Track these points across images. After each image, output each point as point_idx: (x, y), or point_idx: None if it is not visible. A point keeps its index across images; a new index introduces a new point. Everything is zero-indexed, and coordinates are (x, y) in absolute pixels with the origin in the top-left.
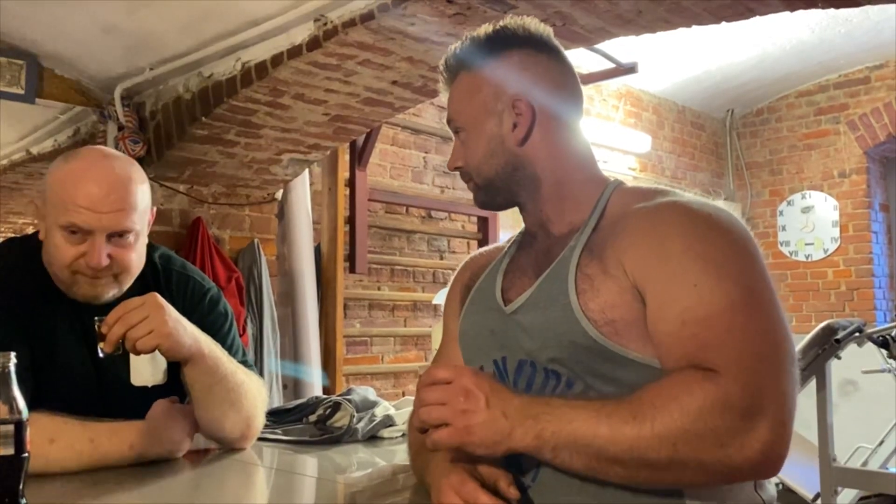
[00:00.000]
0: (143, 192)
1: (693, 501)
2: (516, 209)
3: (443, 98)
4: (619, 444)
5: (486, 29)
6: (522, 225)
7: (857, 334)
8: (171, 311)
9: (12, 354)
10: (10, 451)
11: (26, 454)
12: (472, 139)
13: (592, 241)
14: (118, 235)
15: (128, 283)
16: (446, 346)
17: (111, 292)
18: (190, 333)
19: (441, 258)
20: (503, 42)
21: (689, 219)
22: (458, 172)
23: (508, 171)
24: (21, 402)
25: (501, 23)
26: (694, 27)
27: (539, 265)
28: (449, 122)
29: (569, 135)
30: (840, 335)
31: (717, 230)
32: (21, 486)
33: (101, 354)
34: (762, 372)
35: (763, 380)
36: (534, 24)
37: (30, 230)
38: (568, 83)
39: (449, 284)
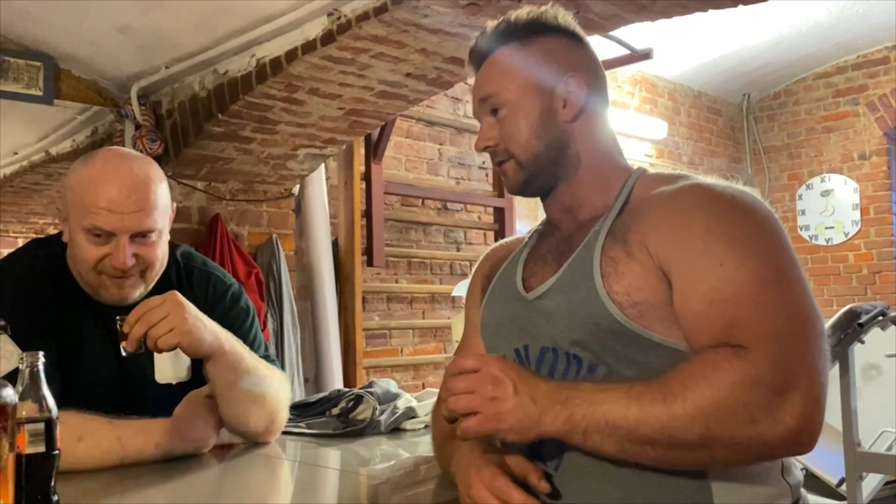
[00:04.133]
0: (162, 191)
1: (718, 482)
2: (532, 199)
3: (458, 86)
4: (650, 424)
5: (524, 12)
6: (542, 215)
7: (880, 318)
8: (191, 309)
9: (41, 354)
10: (42, 448)
11: (57, 451)
12: (517, 114)
13: (616, 225)
14: (141, 235)
15: (153, 280)
16: (469, 337)
17: (137, 292)
18: (210, 330)
19: (458, 250)
20: (545, 27)
21: (712, 200)
22: (487, 154)
23: (555, 148)
24: (51, 401)
25: (540, 9)
26: (710, 11)
27: (561, 252)
28: (484, 99)
29: (603, 122)
30: (863, 319)
31: (741, 210)
32: (52, 483)
33: (123, 353)
34: (792, 347)
35: (794, 355)
36: (569, 16)
37: (51, 230)
38: (601, 72)
39: (470, 276)
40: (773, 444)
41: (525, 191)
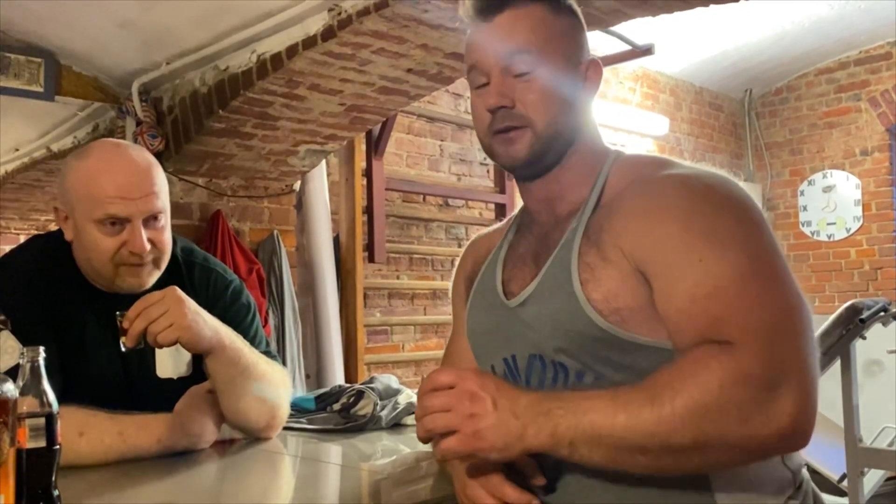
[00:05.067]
0: (161, 174)
1: (722, 495)
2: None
3: (459, 81)
4: (639, 431)
5: None
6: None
7: (881, 314)
8: (191, 304)
9: (41, 349)
10: (42, 443)
11: (58, 446)
12: (551, 83)
13: (590, 225)
14: (152, 219)
15: (164, 265)
16: (459, 336)
17: (153, 278)
18: (210, 326)
19: (459, 246)
20: (569, 6)
21: (686, 194)
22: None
23: (573, 129)
24: (51, 396)
25: None
26: (711, 6)
27: (538, 253)
28: (512, 53)
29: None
30: (864, 315)
31: (717, 201)
32: (53, 478)
33: (123, 349)
34: (779, 341)
35: (782, 348)
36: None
37: (52, 226)
38: None
39: (453, 274)
40: (767, 443)
41: (529, 167)
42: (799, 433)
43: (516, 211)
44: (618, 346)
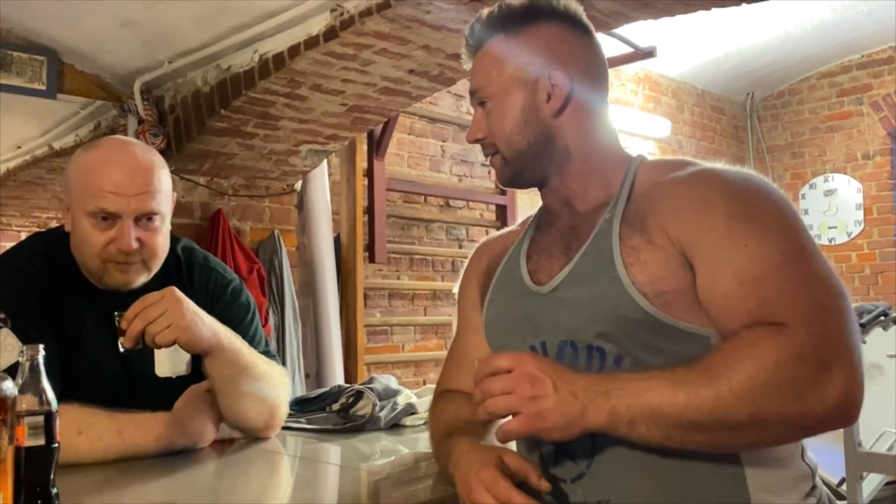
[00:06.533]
0: (165, 176)
1: (751, 468)
2: (534, 193)
3: (460, 82)
4: (698, 408)
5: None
6: (540, 204)
7: (882, 318)
8: (190, 305)
9: (41, 347)
10: (41, 441)
11: (56, 444)
12: (501, 109)
13: (629, 212)
14: (146, 219)
15: (155, 267)
16: (465, 336)
17: (141, 278)
18: (209, 326)
19: (460, 247)
20: (538, 13)
21: (728, 184)
22: (479, 146)
23: (541, 143)
24: (50, 394)
25: None
26: (713, 9)
27: (567, 244)
28: (473, 92)
29: (599, 112)
30: (865, 319)
31: (757, 193)
32: (52, 476)
33: (121, 349)
34: (829, 321)
35: (831, 328)
36: (571, 1)
37: (53, 224)
38: (599, 62)
39: (462, 272)
40: (821, 418)
41: (513, 184)
42: (850, 408)
43: (534, 211)
44: (659, 331)
